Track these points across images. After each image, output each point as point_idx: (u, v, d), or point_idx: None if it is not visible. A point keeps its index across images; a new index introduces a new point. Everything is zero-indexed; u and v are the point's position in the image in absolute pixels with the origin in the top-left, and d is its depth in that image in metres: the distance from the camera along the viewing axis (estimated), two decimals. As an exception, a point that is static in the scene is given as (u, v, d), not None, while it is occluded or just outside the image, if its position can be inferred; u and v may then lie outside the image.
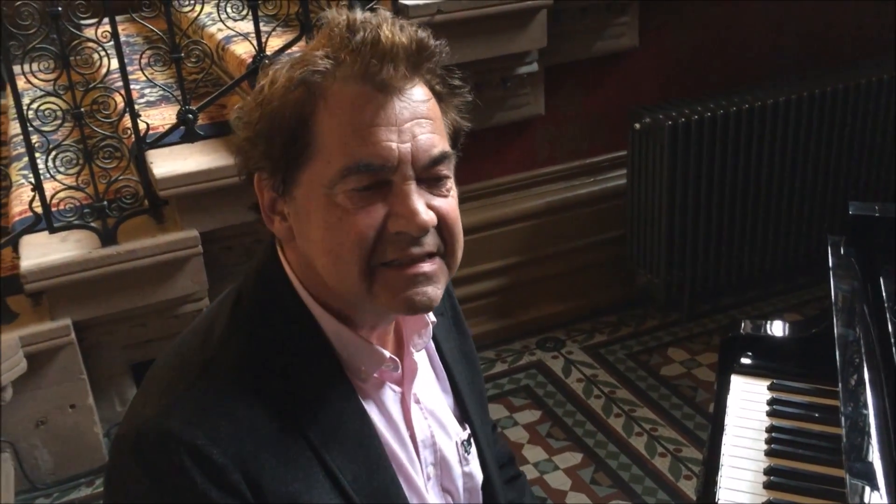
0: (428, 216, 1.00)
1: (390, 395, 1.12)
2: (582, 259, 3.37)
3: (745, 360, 1.65)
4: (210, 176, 2.55)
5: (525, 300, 3.34)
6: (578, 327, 3.36)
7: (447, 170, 1.04)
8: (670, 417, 2.88)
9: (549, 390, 3.06)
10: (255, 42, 2.62)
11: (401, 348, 1.16)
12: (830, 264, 1.49)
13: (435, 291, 1.03)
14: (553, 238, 3.32)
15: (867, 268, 1.47)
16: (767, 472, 1.38)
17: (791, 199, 3.30)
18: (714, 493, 1.36)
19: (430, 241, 1.02)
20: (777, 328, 1.66)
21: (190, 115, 2.61)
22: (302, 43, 2.57)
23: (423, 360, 1.21)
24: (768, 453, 1.43)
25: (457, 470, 1.20)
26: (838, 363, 1.22)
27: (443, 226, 1.03)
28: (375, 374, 1.10)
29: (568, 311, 3.38)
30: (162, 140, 2.66)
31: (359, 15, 1.03)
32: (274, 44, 2.65)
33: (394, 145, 0.98)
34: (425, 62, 1.02)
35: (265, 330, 1.05)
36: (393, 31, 1.00)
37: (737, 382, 1.61)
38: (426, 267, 1.02)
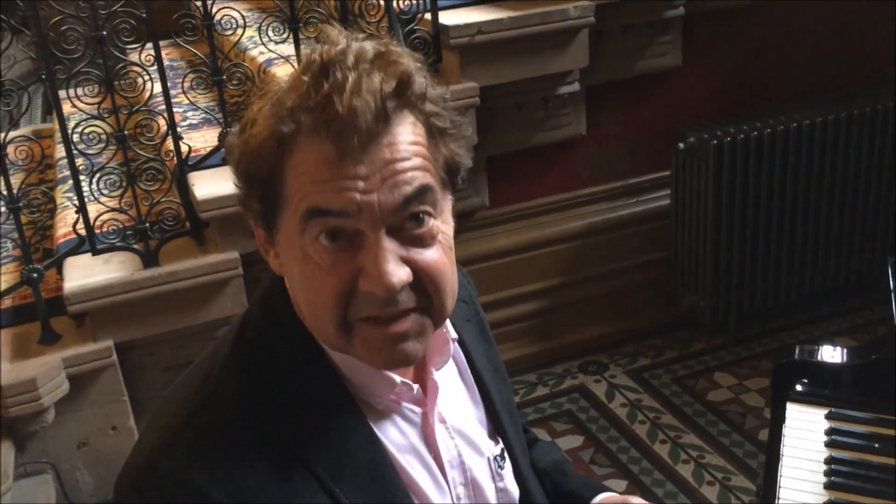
0: (397, 277, 0.92)
1: (410, 416, 1.08)
2: (625, 281, 3.32)
3: (800, 387, 1.59)
4: (252, 198, 2.55)
5: (567, 322, 3.29)
6: (621, 350, 3.30)
7: (428, 205, 0.94)
8: (718, 444, 2.81)
9: (592, 415, 3.00)
10: (295, 65, 2.63)
11: (421, 366, 1.11)
12: (893, 287, 1.43)
13: (415, 347, 0.97)
14: (595, 259, 3.27)
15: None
16: (827, 505, 1.32)
17: (840, 219, 3.22)
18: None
19: (406, 299, 0.95)
20: (833, 354, 1.60)
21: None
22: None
23: (449, 375, 1.16)
24: (828, 486, 1.37)
25: (489, 488, 1.15)
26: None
27: (424, 280, 0.95)
28: (390, 397, 1.06)
29: (610, 334, 3.32)
30: (203, 162, 2.67)
31: (342, 43, 0.95)
32: (315, 66, 2.65)
33: (357, 195, 0.90)
34: (408, 99, 0.95)
35: (267, 359, 1.02)
36: (357, 88, 0.91)
37: (792, 411, 1.55)
38: (405, 325, 0.96)
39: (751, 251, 3.14)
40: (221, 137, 2.63)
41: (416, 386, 1.07)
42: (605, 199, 3.28)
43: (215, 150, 2.67)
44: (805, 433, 1.49)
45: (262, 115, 0.97)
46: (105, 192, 2.58)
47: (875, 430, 1.48)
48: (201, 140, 2.97)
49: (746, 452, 2.76)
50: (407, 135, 0.94)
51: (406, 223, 0.94)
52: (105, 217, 2.57)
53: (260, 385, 1.00)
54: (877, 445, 1.44)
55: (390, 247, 0.92)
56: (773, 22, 3.26)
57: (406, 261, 0.94)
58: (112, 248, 2.58)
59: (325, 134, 0.91)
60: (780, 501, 1.35)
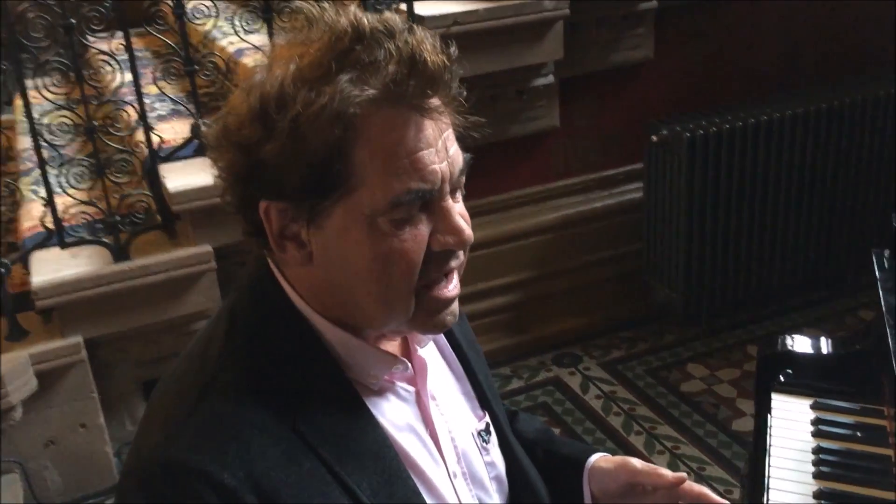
0: (470, 231, 0.99)
1: (404, 395, 1.08)
2: (598, 273, 3.32)
3: (785, 378, 1.60)
4: (225, 190, 2.50)
5: (540, 315, 3.29)
6: (595, 343, 3.30)
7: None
8: (692, 435, 2.83)
9: (568, 407, 3.00)
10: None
11: (405, 346, 1.11)
12: (878, 277, 1.44)
13: (457, 307, 1.04)
14: (568, 252, 3.28)
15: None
16: (817, 495, 1.33)
17: (811, 212, 3.25)
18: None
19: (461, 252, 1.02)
20: (818, 344, 1.61)
21: (203, 129, 2.56)
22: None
23: (432, 353, 1.16)
24: (817, 475, 1.38)
25: (478, 462, 1.15)
26: (898, 382, 1.18)
27: None
28: (385, 377, 1.05)
29: (584, 327, 3.33)
30: (175, 154, 2.62)
31: (371, 20, 0.93)
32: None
33: (437, 167, 0.94)
34: (452, 80, 0.96)
35: (264, 346, 1.00)
36: (433, 50, 0.93)
37: (777, 401, 1.56)
38: (455, 289, 1.02)
39: (722, 243, 3.16)
40: (194, 128, 2.59)
41: (408, 362, 1.07)
42: (579, 192, 3.28)
43: (188, 141, 2.62)
44: (791, 423, 1.51)
45: (301, 96, 0.90)
46: (73, 184, 2.52)
47: (860, 419, 1.49)
48: (171, 131, 2.91)
49: (720, 443, 2.78)
50: (442, 106, 0.96)
51: (455, 188, 0.99)
52: (74, 210, 2.52)
53: (259, 372, 0.98)
54: (863, 435, 1.45)
55: (455, 207, 0.98)
56: (744, 15, 3.28)
57: (461, 217, 0.99)
58: (81, 242, 2.53)
59: (404, 98, 0.92)
60: (770, 490, 1.35)
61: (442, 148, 0.95)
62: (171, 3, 2.53)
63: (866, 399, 1.53)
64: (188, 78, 2.58)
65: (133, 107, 2.55)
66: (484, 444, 1.16)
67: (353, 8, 0.96)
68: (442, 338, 1.19)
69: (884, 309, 1.33)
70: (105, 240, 2.53)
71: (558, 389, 3.09)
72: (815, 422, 1.49)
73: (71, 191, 2.53)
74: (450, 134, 0.97)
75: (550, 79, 3.00)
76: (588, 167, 3.27)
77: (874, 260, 1.48)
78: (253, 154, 0.93)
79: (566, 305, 3.31)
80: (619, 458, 1.23)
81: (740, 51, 3.33)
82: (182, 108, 3.02)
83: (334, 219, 0.95)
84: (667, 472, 1.16)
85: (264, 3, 2.52)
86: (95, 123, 2.46)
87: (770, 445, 1.46)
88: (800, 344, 1.63)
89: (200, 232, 2.60)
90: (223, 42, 3.17)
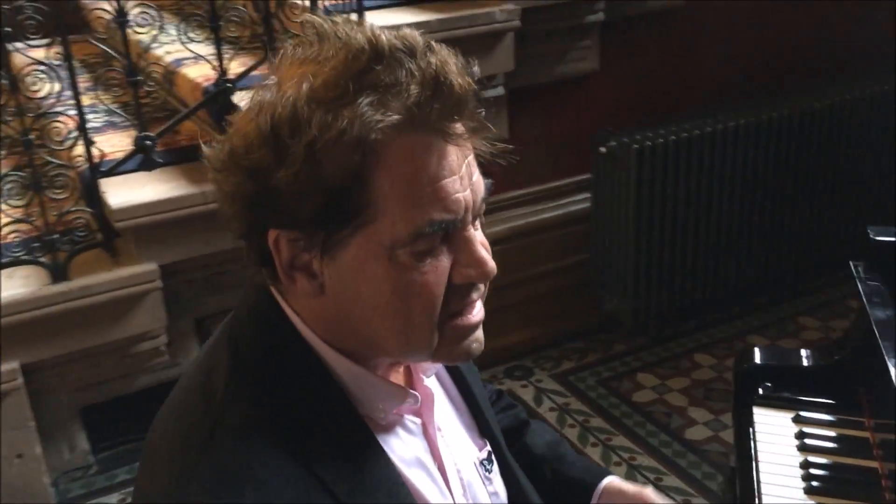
0: (492, 263, 0.94)
1: (411, 428, 1.03)
2: (547, 285, 3.31)
3: (765, 391, 1.60)
4: (172, 205, 2.40)
5: (490, 328, 3.17)
6: (545, 354, 3.30)
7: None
8: (648, 445, 2.83)
9: (522, 421, 2.97)
10: (215, 64, 2.49)
11: (409, 376, 1.07)
12: (861, 290, 1.45)
13: (482, 334, 0.99)
14: (517, 264, 3.25)
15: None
16: (811, 511, 1.33)
17: (756, 221, 3.31)
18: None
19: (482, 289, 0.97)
20: (796, 356, 1.62)
21: (148, 142, 2.46)
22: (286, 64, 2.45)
23: (431, 381, 1.11)
24: (808, 491, 1.38)
25: (482, 492, 1.11)
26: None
27: None
28: (394, 411, 1.00)
29: (534, 339, 3.31)
30: (118, 168, 2.50)
31: (389, 37, 0.88)
32: (231, 67, 2.53)
33: (461, 196, 0.89)
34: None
35: (272, 380, 0.94)
36: (461, 74, 0.89)
37: (759, 415, 1.56)
38: (479, 314, 0.98)
39: (669, 253, 3.19)
40: (139, 141, 2.47)
41: (418, 395, 1.02)
42: (527, 203, 3.26)
43: (131, 154, 2.50)
44: (775, 437, 1.51)
45: (316, 119, 0.84)
46: (8, 200, 2.38)
47: (844, 431, 1.50)
48: (107, 145, 2.78)
49: (675, 452, 2.80)
50: (464, 132, 0.92)
51: (476, 216, 0.95)
52: (8, 228, 2.37)
53: (269, 409, 0.92)
54: (848, 448, 1.46)
55: (478, 237, 0.94)
56: (688, 27, 3.32)
57: (482, 247, 0.95)
58: (17, 262, 2.38)
59: (429, 124, 0.87)
60: (765, 509, 1.35)
61: (466, 175, 0.90)
62: (110, 10, 2.42)
63: (845, 411, 1.54)
64: (130, 88, 2.46)
65: (70, 118, 2.42)
66: (487, 474, 1.13)
67: (369, 24, 0.91)
68: (441, 367, 1.14)
69: (873, 322, 1.34)
70: (42, 259, 2.39)
71: (511, 403, 3.06)
72: (799, 435, 1.49)
73: (4, 207, 2.39)
74: (472, 160, 0.93)
75: (500, 90, 2.98)
76: (536, 178, 3.26)
77: (854, 272, 1.50)
78: (263, 180, 0.87)
79: (516, 318, 3.28)
80: (636, 488, 1.21)
81: (685, 62, 3.37)
82: (118, 119, 2.90)
83: (350, 250, 0.89)
84: None
85: (210, 13, 2.43)
86: (31, 136, 2.33)
87: (758, 461, 1.45)
88: (777, 356, 1.63)
89: (144, 249, 2.49)
90: (159, 51, 3.05)
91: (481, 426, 1.17)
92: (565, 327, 3.37)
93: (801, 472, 1.42)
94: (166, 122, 2.59)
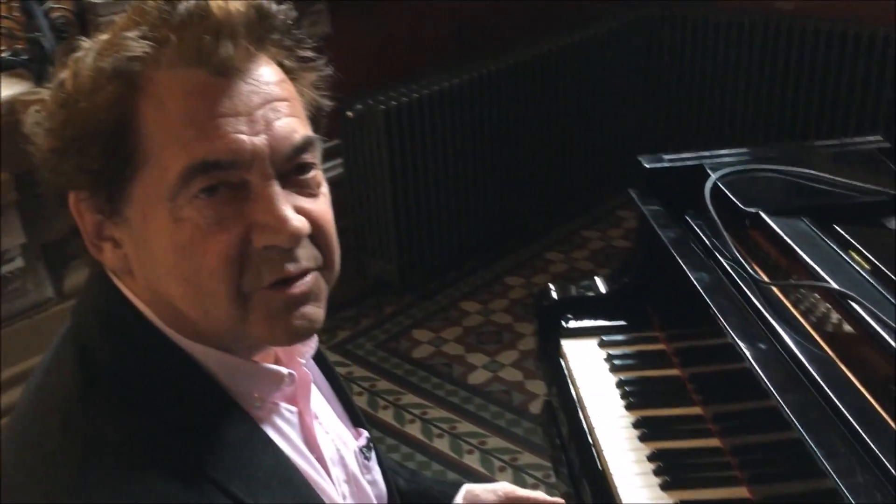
0: (300, 222, 0.83)
1: (288, 417, 0.96)
2: (310, 257, 3.25)
3: (568, 324, 1.68)
4: None
5: (259, 309, 3.14)
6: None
7: (312, 157, 0.87)
8: (436, 398, 2.90)
9: (309, 397, 2.92)
10: None
11: (279, 362, 0.99)
12: (646, 214, 1.56)
13: (316, 311, 0.89)
14: (277, 240, 3.16)
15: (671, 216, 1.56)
16: (636, 425, 1.42)
17: (502, 167, 3.47)
18: (601, 457, 1.37)
19: (306, 255, 0.86)
20: (589, 285, 1.71)
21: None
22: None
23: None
24: (629, 407, 1.46)
25: (364, 482, 1.07)
26: (713, 307, 1.28)
27: (317, 233, 0.87)
28: (271, 399, 0.93)
29: (305, 313, 3.24)
30: None
31: None
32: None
33: (245, 137, 0.80)
34: (269, 33, 0.85)
35: (138, 385, 0.84)
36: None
37: (567, 347, 1.63)
38: (306, 284, 0.86)
39: (426, 209, 3.26)
40: None
41: (294, 372, 0.94)
42: (278, 177, 3.16)
43: None
44: (587, 364, 1.58)
45: (88, 65, 0.81)
46: None
47: (642, 348, 1.61)
48: None
49: (462, 399, 2.89)
50: (272, 74, 0.85)
51: (291, 172, 0.85)
52: None
53: (144, 418, 0.82)
54: (649, 362, 1.57)
55: (284, 195, 0.83)
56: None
57: (298, 211, 0.84)
58: None
59: (195, 55, 0.79)
60: (596, 430, 1.42)
61: (261, 119, 0.81)
62: None
63: (639, 329, 1.65)
64: None
65: None
66: (366, 462, 1.08)
67: None
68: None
69: (667, 242, 1.44)
70: None
71: (294, 381, 2.99)
72: (608, 358, 1.58)
73: None
74: (279, 105, 0.83)
75: (237, 61, 2.85)
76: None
77: (635, 199, 1.60)
78: (54, 138, 0.82)
79: (283, 295, 3.19)
80: (496, 484, 1.24)
81: (418, 19, 3.41)
82: None
83: (134, 205, 0.82)
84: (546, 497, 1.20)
85: None
86: None
87: (578, 389, 1.52)
88: (573, 289, 1.72)
89: None
90: None
91: (352, 414, 1.12)
92: (334, 297, 3.29)
93: (618, 391, 1.51)
94: None
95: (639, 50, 3.83)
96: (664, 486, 1.29)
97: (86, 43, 0.84)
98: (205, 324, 0.85)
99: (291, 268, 0.84)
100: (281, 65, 0.87)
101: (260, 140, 0.81)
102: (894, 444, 0.99)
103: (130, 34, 0.81)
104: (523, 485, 2.35)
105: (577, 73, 3.60)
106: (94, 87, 0.80)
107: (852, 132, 3.17)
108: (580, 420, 1.48)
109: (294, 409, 0.96)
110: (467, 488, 1.28)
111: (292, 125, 0.84)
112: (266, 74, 0.84)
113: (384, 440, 2.71)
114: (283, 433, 0.94)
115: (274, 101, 0.83)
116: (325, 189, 0.90)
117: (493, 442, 2.68)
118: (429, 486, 1.28)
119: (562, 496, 1.42)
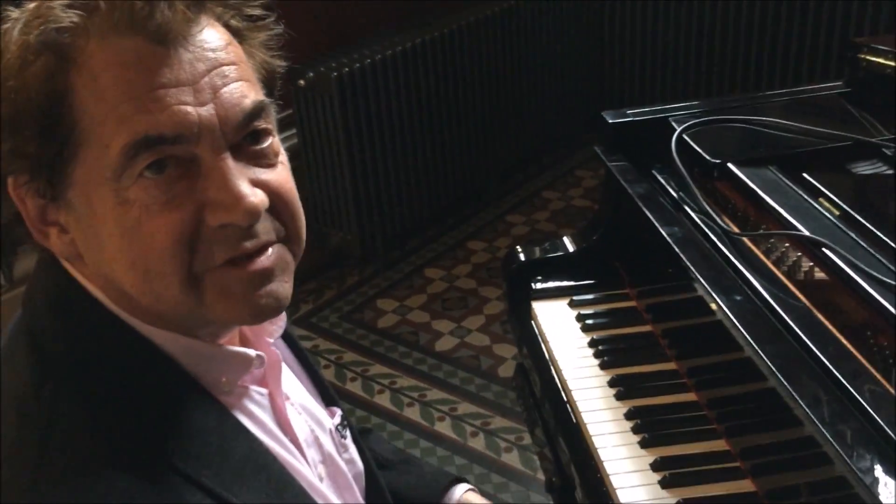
0: (257, 197, 0.78)
1: (258, 399, 0.92)
2: (268, 231, 3.19)
3: (537, 286, 1.66)
4: None
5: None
6: (281, 302, 3.20)
7: (267, 123, 0.82)
8: (404, 367, 2.88)
9: (275, 373, 2.88)
10: None
11: (247, 342, 0.95)
12: (612, 170, 1.54)
13: (283, 287, 0.85)
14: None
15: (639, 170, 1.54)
16: (612, 384, 1.41)
17: (459, 130, 3.43)
18: (575, 413, 1.36)
19: (266, 228, 0.82)
20: (558, 245, 1.69)
21: None
22: None
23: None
24: (602, 366, 1.45)
25: (340, 461, 1.04)
26: (686, 261, 1.26)
27: (278, 204, 0.83)
28: (240, 382, 0.90)
29: (266, 288, 3.19)
30: None
31: None
32: None
33: (190, 108, 0.75)
34: None
35: (95, 376, 0.80)
36: None
37: (538, 308, 1.61)
38: (269, 259, 0.82)
39: (383, 177, 3.22)
40: None
41: (263, 354, 0.91)
42: (231, 150, 3.09)
43: None
44: (559, 325, 1.57)
45: (14, 38, 0.75)
46: None
47: (612, 306, 1.60)
48: None
49: (431, 366, 2.87)
50: (217, 37, 0.79)
51: (244, 142, 0.80)
52: None
53: (104, 409, 0.78)
54: (620, 319, 1.56)
55: (238, 168, 0.78)
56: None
57: (255, 184, 0.79)
58: None
59: (128, 22, 0.74)
60: (574, 392, 1.40)
61: (206, 88, 0.76)
62: None
63: (609, 287, 1.64)
64: None
65: None
66: (342, 440, 1.05)
67: None
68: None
69: (636, 198, 1.42)
70: None
71: (259, 358, 2.95)
72: (579, 318, 1.57)
73: None
74: (227, 69, 0.78)
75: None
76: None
77: (601, 156, 1.58)
78: None
79: (243, 271, 3.14)
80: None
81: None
82: None
83: (76, 187, 0.77)
84: None
85: None
86: None
87: (551, 351, 1.51)
88: (539, 251, 1.70)
89: None
90: None
91: (323, 392, 1.09)
92: (297, 270, 3.28)
93: (591, 350, 1.49)
94: None
95: (587, 5, 3.79)
96: (643, 444, 1.28)
97: (14, 13, 0.78)
98: (160, 309, 0.81)
99: (249, 244, 0.80)
100: (227, 26, 0.82)
101: (207, 110, 0.76)
102: (875, 390, 0.99)
103: (56, 3, 0.76)
104: (496, 449, 2.35)
105: (527, 32, 3.56)
106: (21, 62, 0.75)
107: (817, 80, 3.14)
108: (554, 379, 1.46)
109: (265, 391, 0.93)
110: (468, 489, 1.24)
111: (242, 90, 0.79)
112: (210, 38, 0.79)
113: (354, 412, 2.69)
114: (255, 417, 0.90)
115: (220, 67, 0.78)
116: (283, 158, 0.85)
117: (464, 408, 2.67)
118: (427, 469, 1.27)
119: (538, 455, 1.40)
